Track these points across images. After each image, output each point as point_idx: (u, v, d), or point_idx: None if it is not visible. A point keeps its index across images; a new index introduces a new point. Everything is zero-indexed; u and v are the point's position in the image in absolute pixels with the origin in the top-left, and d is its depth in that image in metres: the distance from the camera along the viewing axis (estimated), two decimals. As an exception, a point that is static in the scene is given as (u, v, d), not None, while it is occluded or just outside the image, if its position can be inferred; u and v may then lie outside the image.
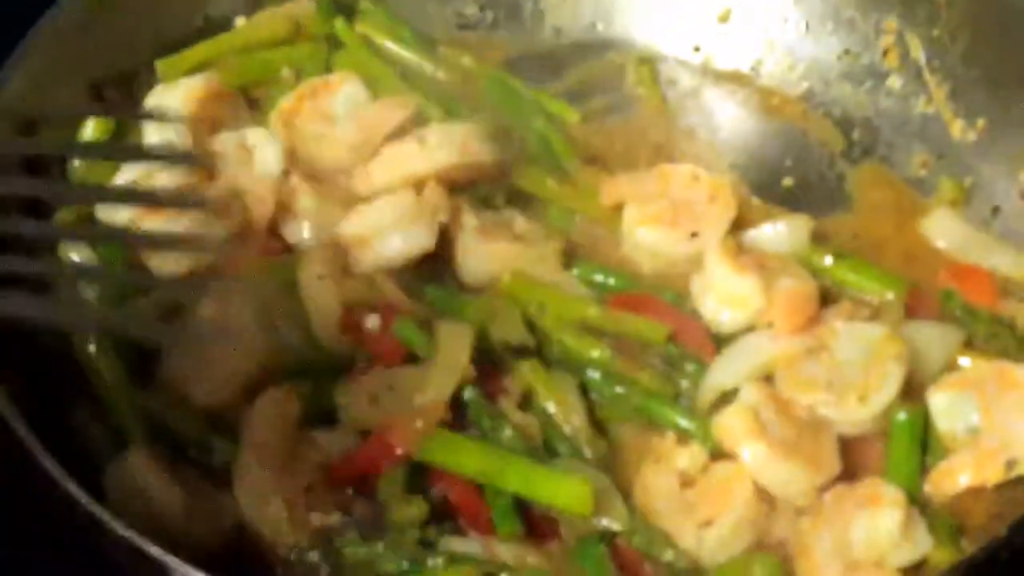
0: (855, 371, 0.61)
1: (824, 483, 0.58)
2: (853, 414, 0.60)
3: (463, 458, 0.59)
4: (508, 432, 0.61)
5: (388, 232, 0.69)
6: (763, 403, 0.60)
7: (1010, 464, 0.58)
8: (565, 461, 0.60)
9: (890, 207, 0.73)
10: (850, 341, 0.63)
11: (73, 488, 0.53)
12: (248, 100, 0.76)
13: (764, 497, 0.59)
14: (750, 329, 0.64)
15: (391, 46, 0.79)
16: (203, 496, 0.60)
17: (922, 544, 0.55)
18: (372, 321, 0.64)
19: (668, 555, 0.56)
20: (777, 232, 0.69)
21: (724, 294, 0.66)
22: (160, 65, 0.74)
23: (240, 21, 0.78)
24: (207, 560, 0.54)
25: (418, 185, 0.70)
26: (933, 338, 0.64)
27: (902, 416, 0.60)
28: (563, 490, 0.57)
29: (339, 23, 0.79)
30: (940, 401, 0.60)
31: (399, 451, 0.59)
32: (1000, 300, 0.67)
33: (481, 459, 0.59)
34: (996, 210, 0.69)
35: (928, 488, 0.59)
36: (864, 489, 0.58)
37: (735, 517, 0.57)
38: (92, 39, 0.72)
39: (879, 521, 0.54)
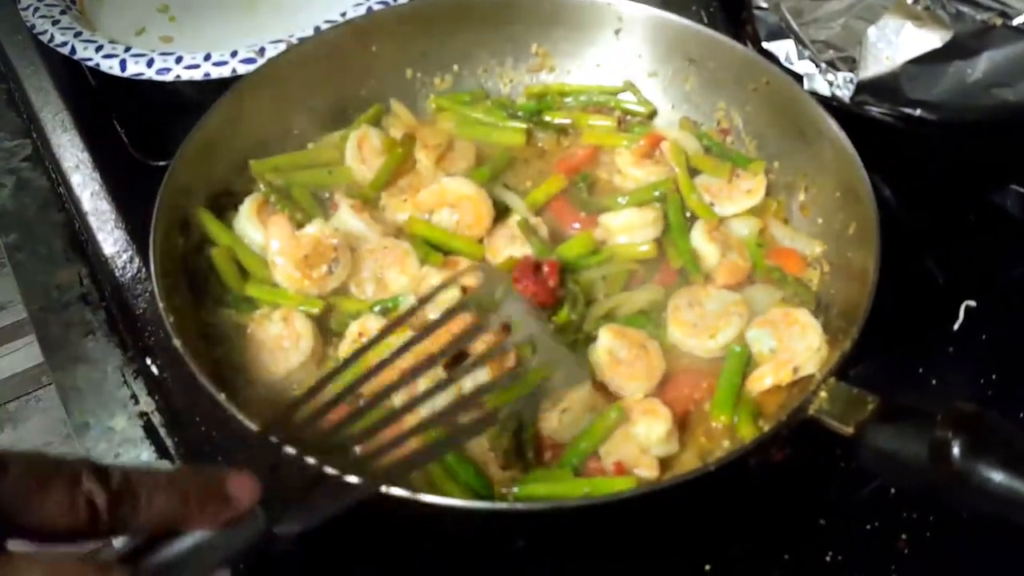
0: (713, 319, 0.83)
1: (648, 389, 0.78)
2: (706, 346, 0.82)
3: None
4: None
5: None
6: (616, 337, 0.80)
7: (795, 370, 0.78)
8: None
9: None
10: (716, 300, 0.84)
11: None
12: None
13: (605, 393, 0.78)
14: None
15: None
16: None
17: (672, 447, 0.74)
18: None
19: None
20: (741, 225, 0.91)
21: (695, 250, 0.88)
22: (253, 164, 0.91)
23: (310, 146, 0.97)
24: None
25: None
26: (762, 296, 0.86)
27: (736, 348, 0.81)
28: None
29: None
30: (752, 334, 0.82)
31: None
32: (804, 269, 0.88)
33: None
34: (790, 216, 0.92)
35: (747, 387, 0.79)
36: (643, 404, 0.76)
37: (579, 406, 0.76)
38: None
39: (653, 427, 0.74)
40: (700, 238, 0.89)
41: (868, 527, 0.76)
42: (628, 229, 0.90)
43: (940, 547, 0.75)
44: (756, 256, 0.89)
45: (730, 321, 0.83)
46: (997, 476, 0.58)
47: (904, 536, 0.75)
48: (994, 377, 0.86)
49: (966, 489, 0.59)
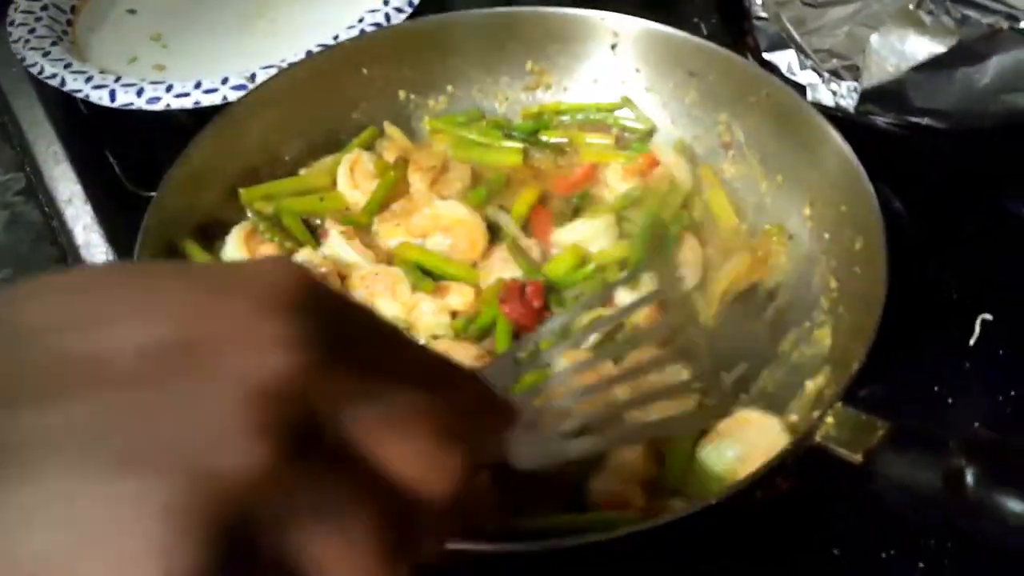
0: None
1: None
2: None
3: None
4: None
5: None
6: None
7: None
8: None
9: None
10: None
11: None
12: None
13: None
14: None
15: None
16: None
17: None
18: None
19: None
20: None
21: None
22: (242, 192, 0.90)
23: (302, 172, 0.96)
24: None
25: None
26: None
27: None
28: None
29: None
30: (707, 452, 0.72)
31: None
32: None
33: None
34: (792, 237, 0.88)
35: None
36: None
37: None
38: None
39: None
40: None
41: (884, 555, 0.73)
42: (583, 241, 0.87)
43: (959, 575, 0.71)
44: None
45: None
46: (1015, 506, 0.55)
47: (921, 565, 0.72)
48: (1013, 393, 0.83)
49: (982, 519, 0.56)
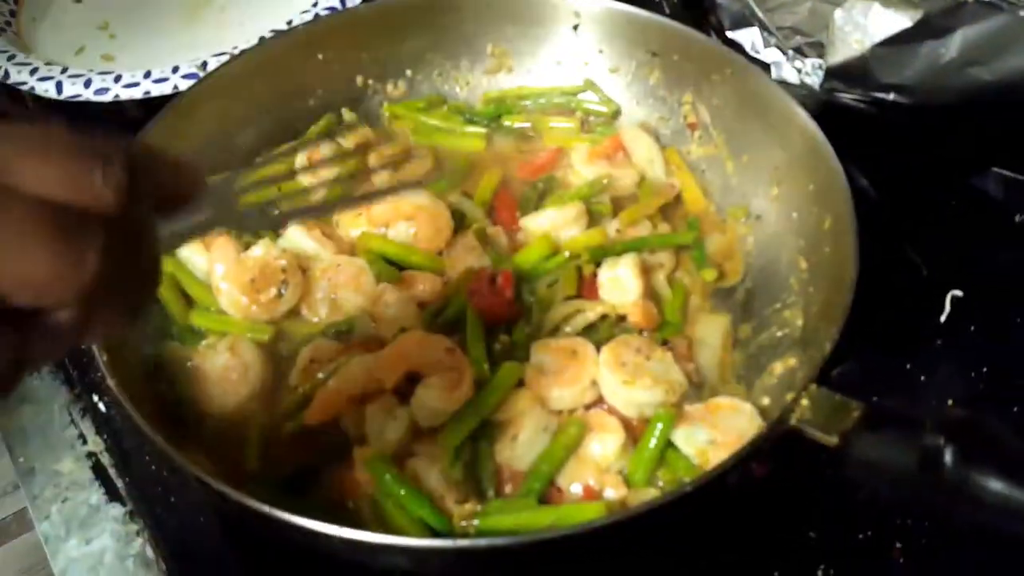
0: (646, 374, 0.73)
1: (576, 394, 0.73)
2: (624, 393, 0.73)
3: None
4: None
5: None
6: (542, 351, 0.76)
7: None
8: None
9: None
10: (660, 364, 0.75)
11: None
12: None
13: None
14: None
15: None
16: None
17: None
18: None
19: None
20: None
21: (616, 282, 0.81)
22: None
23: (258, 162, 0.89)
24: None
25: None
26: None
27: (660, 411, 0.71)
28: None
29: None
30: (681, 435, 0.72)
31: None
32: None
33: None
34: (759, 217, 0.88)
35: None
36: (592, 419, 0.72)
37: (530, 429, 0.70)
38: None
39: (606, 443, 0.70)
40: (627, 271, 0.82)
41: (860, 537, 0.72)
42: (553, 229, 0.85)
43: (936, 555, 0.70)
44: (672, 312, 0.82)
45: (656, 388, 0.74)
46: (993, 485, 0.54)
47: (899, 545, 0.71)
48: (985, 370, 0.82)
49: (960, 499, 0.55)
